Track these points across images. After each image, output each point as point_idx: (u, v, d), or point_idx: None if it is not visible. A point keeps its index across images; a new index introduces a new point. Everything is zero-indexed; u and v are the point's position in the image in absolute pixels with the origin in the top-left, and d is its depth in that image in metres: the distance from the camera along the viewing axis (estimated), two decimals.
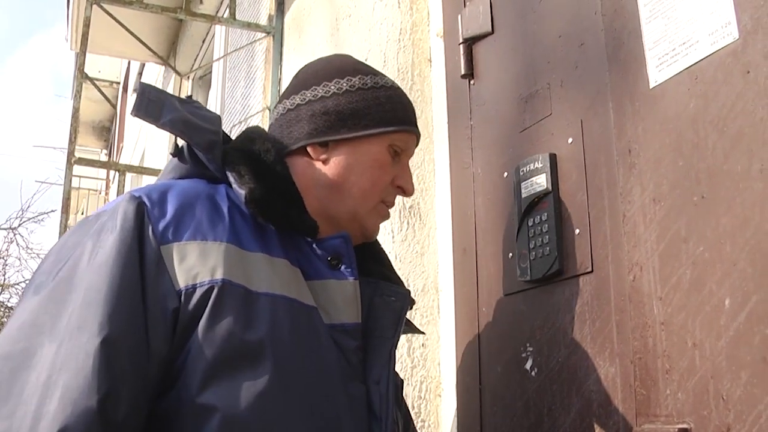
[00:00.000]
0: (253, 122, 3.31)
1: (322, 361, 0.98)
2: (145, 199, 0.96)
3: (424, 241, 1.75)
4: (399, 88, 1.17)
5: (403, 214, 1.77)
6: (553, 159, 1.33)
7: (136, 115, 1.02)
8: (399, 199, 1.78)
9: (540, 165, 1.35)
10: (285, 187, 1.06)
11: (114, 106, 10.63)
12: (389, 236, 1.77)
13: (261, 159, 1.07)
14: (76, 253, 0.93)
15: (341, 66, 1.14)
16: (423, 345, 1.68)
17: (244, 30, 3.45)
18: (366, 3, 2.13)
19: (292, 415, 0.93)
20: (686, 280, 1.05)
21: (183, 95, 5.03)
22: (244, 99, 3.69)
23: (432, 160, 1.81)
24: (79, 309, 0.87)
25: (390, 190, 1.15)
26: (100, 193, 13.77)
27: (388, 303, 1.09)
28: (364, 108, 1.10)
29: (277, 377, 0.92)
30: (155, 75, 6.73)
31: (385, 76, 1.16)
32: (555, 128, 1.36)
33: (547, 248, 1.30)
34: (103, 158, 11.45)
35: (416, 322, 1.69)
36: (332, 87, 1.11)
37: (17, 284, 10.81)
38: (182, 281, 0.92)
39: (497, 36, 1.58)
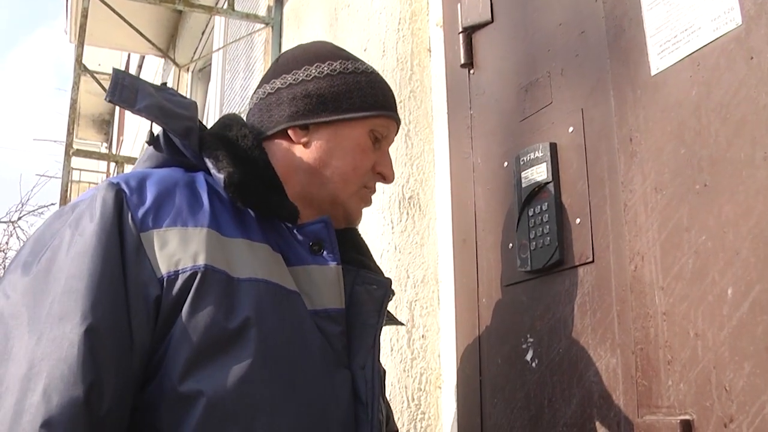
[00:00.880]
0: None
1: (307, 346, 0.98)
2: (124, 186, 0.95)
3: (424, 231, 1.74)
4: (379, 74, 1.16)
5: (402, 204, 1.76)
6: (553, 148, 1.32)
7: (110, 101, 1.01)
8: (398, 189, 1.78)
9: (540, 154, 1.33)
10: (264, 171, 1.05)
11: None
12: (389, 227, 1.76)
13: (238, 144, 1.06)
14: (55, 243, 0.91)
15: (321, 51, 1.14)
16: (423, 336, 1.67)
17: (243, 21, 3.43)
18: None
19: (277, 399, 0.92)
20: (688, 270, 1.04)
21: (183, 87, 4.99)
22: (244, 90, 3.68)
23: (432, 150, 1.80)
24: (60, 299, 0.85)
25: (371, 176, 1.14)
26: None
27: (369, 291, 1.08)
28: (345, 92, 1.10)
29: (261, 362, 0.91)
30: (155, 67, 6.71)
31: (365, 62, 1.16)
32: (555, 117, 1.34)
33: (548, 238, 1.29)
34: (104, 151, 11.43)
35: (416, 313, 1.68)
36: (313, 71, 1.10)
37: None
38: (164, 268, 0.91)
39: (497, 25, 1.57)
